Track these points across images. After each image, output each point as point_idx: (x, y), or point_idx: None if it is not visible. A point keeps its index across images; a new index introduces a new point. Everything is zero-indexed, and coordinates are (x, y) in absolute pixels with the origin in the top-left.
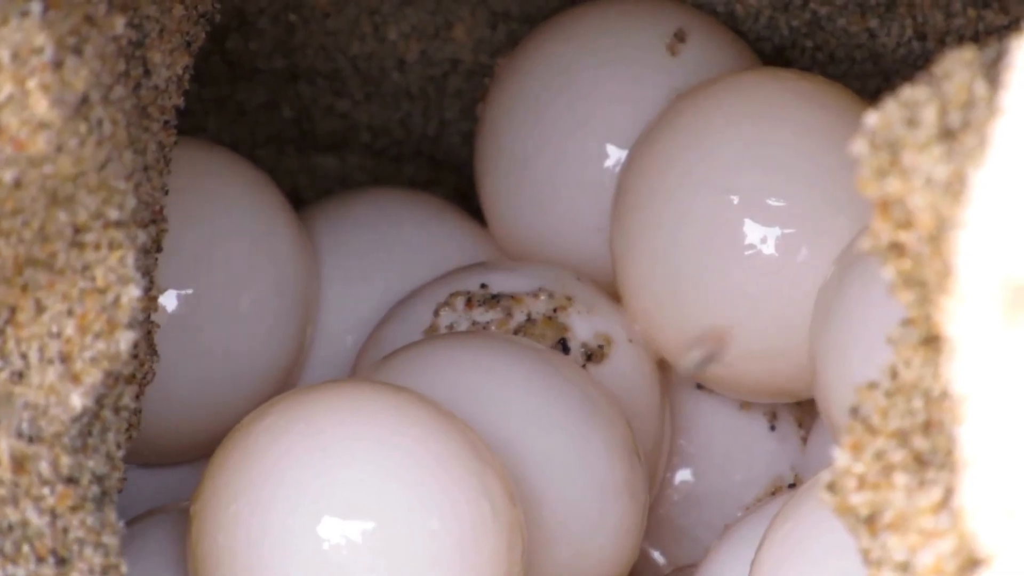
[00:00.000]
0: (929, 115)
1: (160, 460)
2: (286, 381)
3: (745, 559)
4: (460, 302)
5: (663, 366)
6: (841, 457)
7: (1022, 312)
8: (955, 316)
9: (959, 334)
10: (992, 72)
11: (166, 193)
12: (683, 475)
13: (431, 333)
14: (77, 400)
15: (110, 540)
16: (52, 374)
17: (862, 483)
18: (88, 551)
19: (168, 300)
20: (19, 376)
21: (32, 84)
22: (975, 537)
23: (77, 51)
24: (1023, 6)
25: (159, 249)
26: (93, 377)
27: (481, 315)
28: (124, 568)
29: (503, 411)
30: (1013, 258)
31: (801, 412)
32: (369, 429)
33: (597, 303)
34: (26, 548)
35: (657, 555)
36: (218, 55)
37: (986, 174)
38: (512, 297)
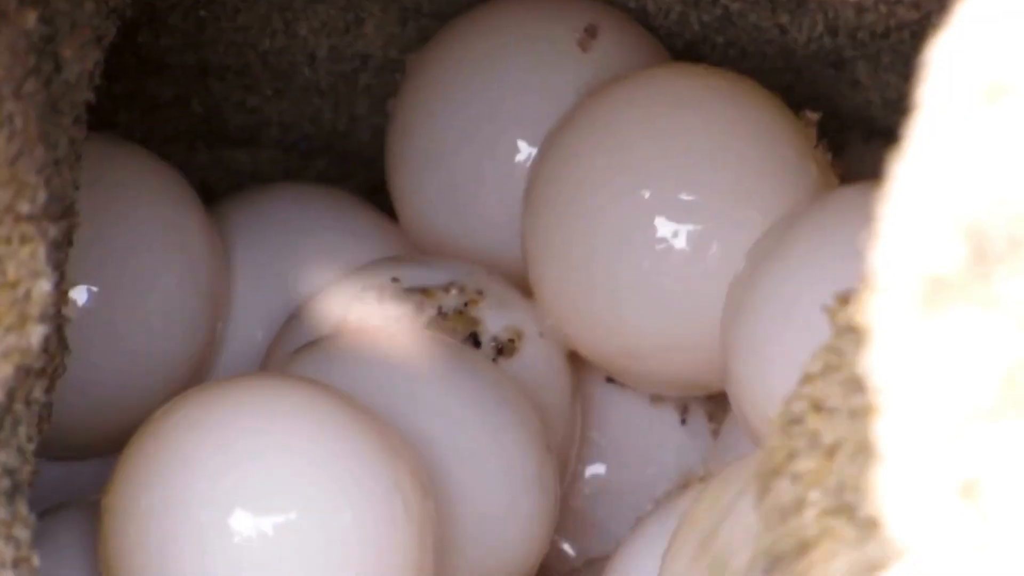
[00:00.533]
0: None
1: (71, 454)
2: (197, 375)
3: (656, 552)
4: (371, 296)
5: (574, 360)
6: None
7: (939, 304)
8: (874, 308)
9: (878, 326)
10: None
11: (77, 188)
12: (594, 468)
13: (342, 327)
14: None
15: (21, 533)
16: None
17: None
18: None
19: (79, 294)
20: None
21: None
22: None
23: None
24: (935, 1)
25: (70, 243)
26: (4, 370)
27: (392, 309)
28: (35, 561)
29: (414, 405)
30: (931, 250)
31: (712, 406)
32: (281, 423)
33: (508, 297)
34: None
35: (568, 547)
36: (128, 50)
37: (903, 167)
38: (423, 291)
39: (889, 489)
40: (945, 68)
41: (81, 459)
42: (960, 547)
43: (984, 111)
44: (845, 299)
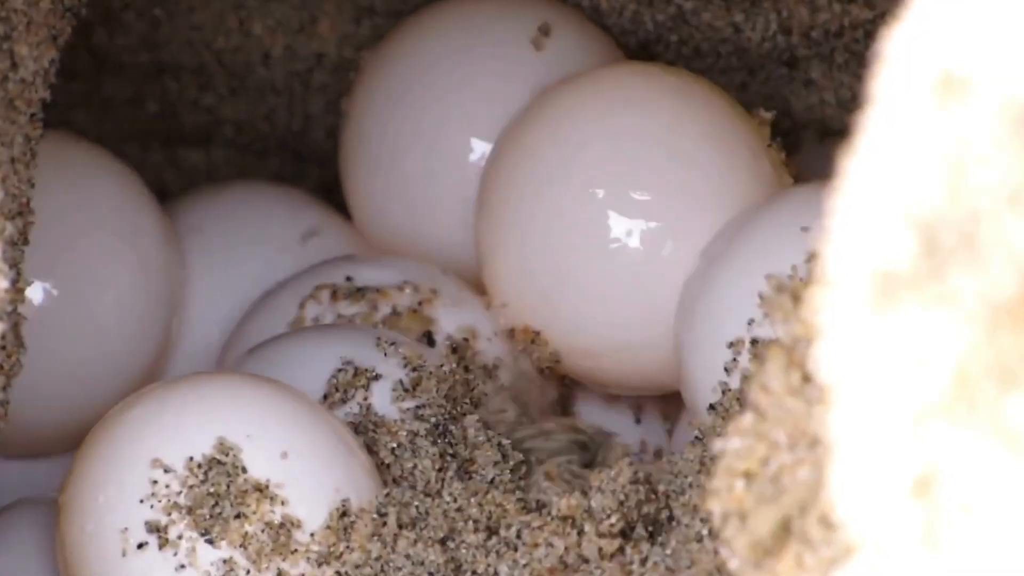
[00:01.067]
0: None
1: (27, 452)
2: (152, 373)
3: None
4: (325, 295)
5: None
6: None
7: (891, 300)
8: (824, 304)
9: (828, 322)
10: None
11: (32, 186)
12: None
13: (297, 326)
14: None
15: None
16: None
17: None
18: None
19: (34, 292)
20: None
21: None
22: (843, 527)
23: None
24: (888, 1)
25: (26, 241)
26: None
27: (346, 308)
28: None
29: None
30: (883, 245)
31: (666, 405)
32: (233, 421)
33: (462, 297)
34: None
35: None
36: (84, 49)
37: (854, 162)
38: (377, 290)
39: (842, 485)
40: (898, 61)
41: (37, 457)
42: (913, 543)
43: (936, 104)
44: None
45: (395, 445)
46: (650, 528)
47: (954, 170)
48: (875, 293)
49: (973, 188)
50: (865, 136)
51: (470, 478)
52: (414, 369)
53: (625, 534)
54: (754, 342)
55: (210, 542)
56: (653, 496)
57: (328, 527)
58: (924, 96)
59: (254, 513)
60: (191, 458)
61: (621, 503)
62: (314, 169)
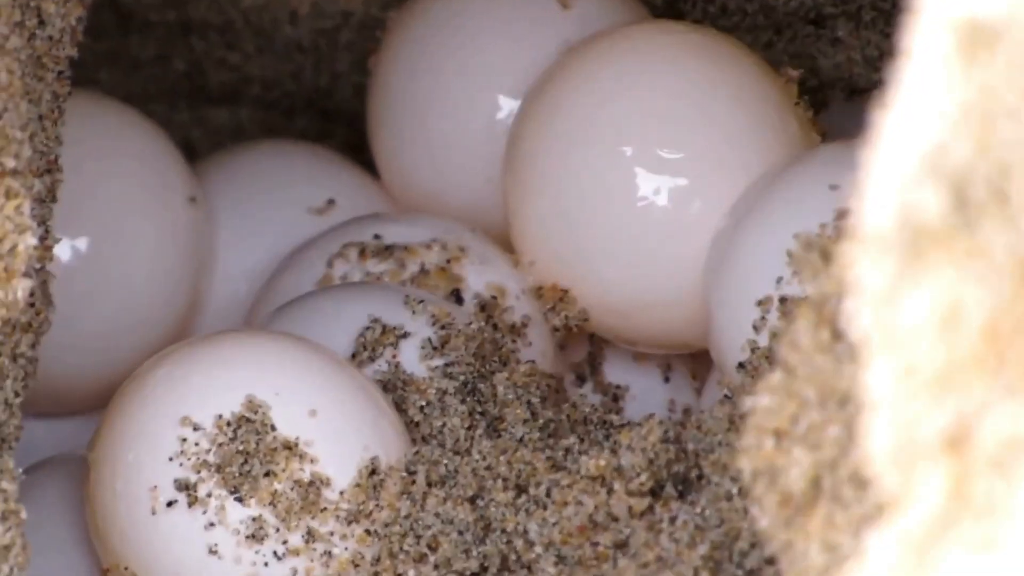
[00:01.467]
0: None
1: (57, 410)
2: (180, 331)
3: None
4: (353, 253)
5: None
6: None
7: (920, 255)
8: (854, 260)
9: (858, 277)
10: None
11: (60, 143)
12: None
13: (325, 284)
14: None
15: (9, 486)
16: None
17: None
18: None
19: (62, 250)
20: None
21: None
22: (874, 484)
23: None
24: None
25: (54, 199)
26: None
27: (374, 266)
28: (23, 514)
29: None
30: (912, 200)
31: (695, 363)
32: (262, 379)
33: (490, 255)
34: None
35: None
36: (110, 8)
37: (886, 116)
38: (405, 248)
39: (872, 443)
40: (926, 14)
41: (66, 415)
42: (944, 500)
43: (965, 57)
44: (810, 244)
45: (424, 403)
46: (680, 487)
47: (983, 124)
48: (905, 248)
49: (1003, 141)
50: (895, 90)
51: (499, 436)
52: (442, 327)
53: (655, 493)
54: (783, 300)
55: (239, 500)
56: (683, 455)
57: (357, 485)
58: (953, 49)
59: (283, 471)
60: (220, 416)
61: (651, 461)
62: (341, 128)
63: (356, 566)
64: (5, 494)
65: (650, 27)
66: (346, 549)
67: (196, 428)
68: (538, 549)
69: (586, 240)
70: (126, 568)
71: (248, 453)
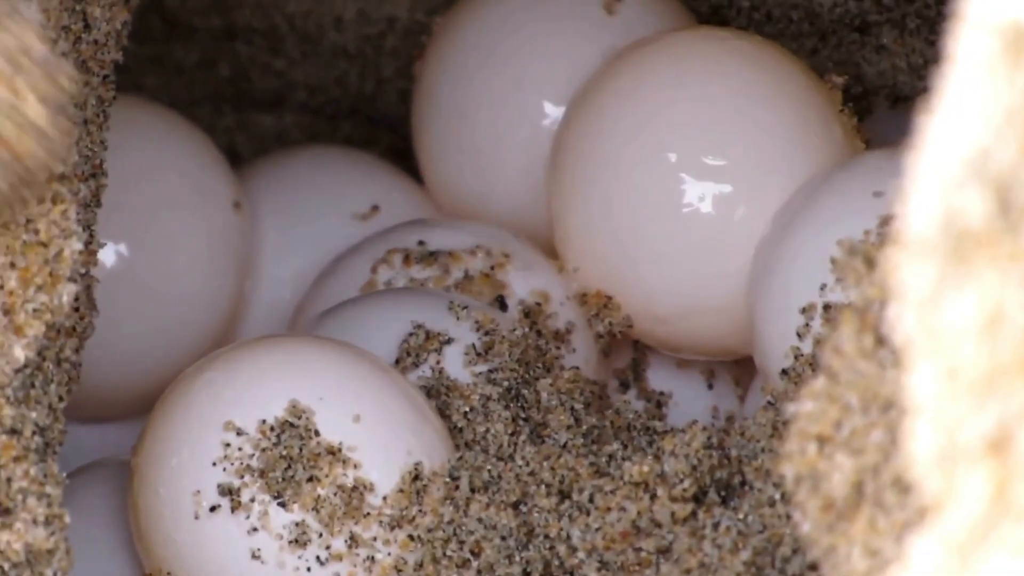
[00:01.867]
0: None
1: (100, 414)
2: (224, 336)
3: None
4: (398, 259)
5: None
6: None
7: (965, 259)
8: (898, 264)
9: (902, 282)
10: None
11: (105, 148)
12: None
13: (369, 289)
14: (20, 352)
15: (53, 491)
16: None
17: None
18: (31, 501)
19: (107, 255)
20: None
21: None
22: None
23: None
24: None
25: (99, 204)
26: (35, 329)
27: (419, 272)
28: (67, 519)
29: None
30: (959, 204)
31: (738, 370)
32: (306, 384)
33: (534, 261)
34: None
35: None
36: (156, 13)
37: (931, 121)
38: (450, 254)
39: (915, 448)
40: (973, 19)
41: (110, 420)
42: (987, 505)
43: (1010, 61)
44: (853, 250)
45: (468, 409)
46: (722, 493)
47: None
48: (948, 252)
49: None
50: (940, 95)
51: (543, 442)
52: (486, 333)
53: (697, 499)
54: (827, 307)
55: (282, 505)
56: (726, 461)
57: (400, 490)
58: (997, 54)
59: (326, 476)
60: (264, 421)
61: (694, 468)
62: (385, 134)
63: (399, 571)
64: (49, 498)
65: (695, 34)
66: (389, 554)
67: (240, 433)
68: (581, 555)
69: (630, 247)
70: (168, 573)
71: (291, 458)
